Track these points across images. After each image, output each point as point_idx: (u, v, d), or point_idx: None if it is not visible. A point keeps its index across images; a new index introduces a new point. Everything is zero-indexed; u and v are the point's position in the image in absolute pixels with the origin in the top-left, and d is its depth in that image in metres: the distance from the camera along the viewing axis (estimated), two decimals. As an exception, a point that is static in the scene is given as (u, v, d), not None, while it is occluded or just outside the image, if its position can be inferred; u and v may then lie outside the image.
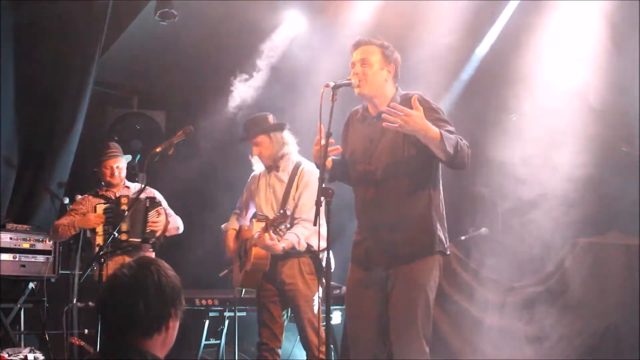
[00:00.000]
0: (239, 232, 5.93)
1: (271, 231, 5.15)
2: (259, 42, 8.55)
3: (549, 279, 6.14)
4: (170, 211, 6.54)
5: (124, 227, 6.10)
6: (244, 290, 6.00)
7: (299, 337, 5.62)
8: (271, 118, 5.77)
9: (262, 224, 5.29)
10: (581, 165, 6.48)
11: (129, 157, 6.70)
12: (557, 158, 6.60)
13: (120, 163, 6.52)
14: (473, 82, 7.53)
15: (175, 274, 2.72)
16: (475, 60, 7.74)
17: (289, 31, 8.52)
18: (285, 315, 5.64)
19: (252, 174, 5.98)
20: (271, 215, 5.39)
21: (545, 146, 6.68)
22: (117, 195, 6.38)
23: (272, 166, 5.71)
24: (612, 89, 6.51)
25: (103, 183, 6.55)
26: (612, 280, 5.73)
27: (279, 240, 5.21)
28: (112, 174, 6.47)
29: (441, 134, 3.94)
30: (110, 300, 2.65)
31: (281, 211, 5.03)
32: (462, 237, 7.07)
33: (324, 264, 4.97)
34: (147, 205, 6.20)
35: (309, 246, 5.36)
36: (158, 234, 6.18)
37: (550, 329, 5.93)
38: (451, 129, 4.17)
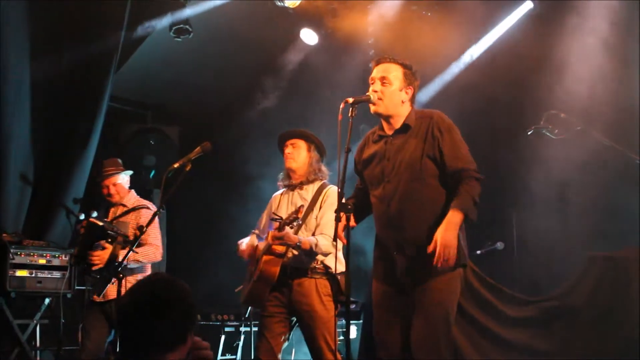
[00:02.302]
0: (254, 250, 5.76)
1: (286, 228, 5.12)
2: (273, 58, 8.58)
3: (567, 293, 6.11)
4: (151, 239, 6.31)
5: (75, 250, 6.25)
6: (250, 308, 5.86)
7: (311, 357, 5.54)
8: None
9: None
10: (597, 180, 6.47)
11: (128, 172, 6.65)
12: (575, 172, 6.60)
13: (117, 180, 6.51)
14: (488, 99, 7.51)
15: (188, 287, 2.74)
16: (489, 74, 7.72)
17: (302, 47, 8.55)
18: (287, 335, 5.49)
19: (273, 195, 5.91)
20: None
21: (560, 160, 6.68)
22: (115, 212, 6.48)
23: (297, 183, 5.64)
24: (627, 103, 6.50)
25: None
26: (630, 294, 5.70)
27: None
28: (109, 193, 6.51)
29: (463, 213, 4.10)
30: (134, 320, 2.66)
31: (295, 209, 4.90)
32: (478, 252, 7.06)
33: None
34: (97, 234, 5.97)
35: (326, 267, 5.31)
36: (95, 267, 5.95)
37: (568, 344, 5.91)
38: (464, 152, 4.31)
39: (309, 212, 5.48)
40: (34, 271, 6.77)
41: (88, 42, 7.42)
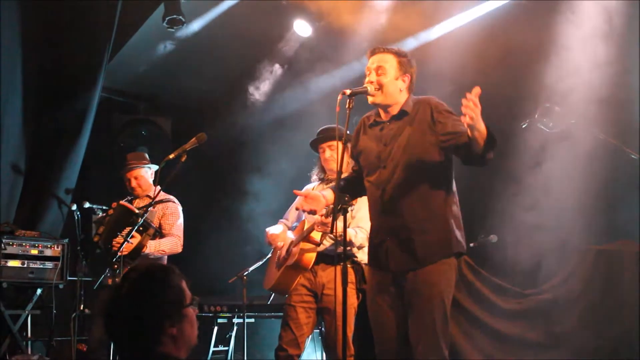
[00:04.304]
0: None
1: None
2: (267, 49, 8.55)
3: (561, 286, 6.13)
4: (174, 228, 6.49)
5: (101, 229, 6.29)
6: (272, 295, 5.86)
7: (323, 342, 5.58)
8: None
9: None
10: (591, 173, 6.48)
11: (153, 166, 6.74)
12: (569, 165, 6.60)
13: (139, 173, 6.68)
14: (484, 91, 7.50)
15: (179, 276, 2.74)
16: (482, 65, 7.69)
17: (296, 38, 8.52)
18: (312, 327, 5.52)
19: (305, 187, 5.86)
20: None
21: (555, 153, 6.68)
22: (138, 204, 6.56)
23: (333, 178, 5.58)
24: (621, 96, 6.50)
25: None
26: (623, 287, 5.73)
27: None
28: (131, 185, 6.67)
29: (487, 127, 3.85)
30: (114, 314, 2.68)
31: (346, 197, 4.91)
32: (471, 244, 7.05)
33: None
34: (130, 220, 6.04)
35: (352, 256, 5.32)
36: (120, 254, 5.89)
37: (563, 337, 5.93)
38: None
39: None
40: (26, 261, 6.74)
41: (81, 33, 7.38)
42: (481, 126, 3.81)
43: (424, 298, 4.22)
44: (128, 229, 5.97)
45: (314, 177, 5.88)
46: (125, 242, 5.88)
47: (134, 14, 7.75)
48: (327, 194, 4.61)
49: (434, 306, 4.21)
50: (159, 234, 6.41)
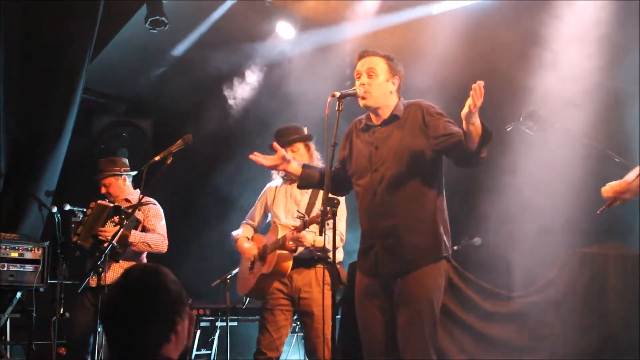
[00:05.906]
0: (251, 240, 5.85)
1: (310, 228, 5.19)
2: (249, 51, 8.54)
3: (547, 288, 6.15)
4: (158, 228, 6.39)
5: (79, 229, 6.22)
6: (247, 300, 5.88)
7: (304, 346, 5.58)
8: (305, 129, 5.73)
9: (290, 226, 5.35)
10: (576, 175, 6.50)
11: (127, 174, 6.60)
12: (553, 168, 6.62)
13: (107, 181, 6.54)
14: (466, 91, 7.50)
15: (174, 278, 2.69)
16: (467, 67, 7.69)
17: (278, 40, 8.50)
18: (289, 328, 5.56)
19: (267, 186, 5.90)
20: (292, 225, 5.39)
21: (541, 156, 6.70)
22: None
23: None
24: (610, 99, 6.53)
25: None
26: (609, 289, 5.75)
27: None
28: (101, 191, 6.54)
29: (482, 122, 3.86)
30: (114, 322, 2.60)
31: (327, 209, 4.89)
32: (455, 247, 7.06)
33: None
34: (108, 213, 6.09)
35: (326, 257, 5.31)
36: (107, 243, 5.72)
37: (548, 339, 5.94)
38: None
39: (312, 204, 5.53)
40: (5, 264, 6.68)
41: (62, 33, 7.32)
42: (477, 119, 3.82)
43: (413, 302, 4.21)
44: (108, 222, 5.98)
45: (275, 175, 5.87)
46: (110, 230, 5.90)
47: (116, 15, 7.70)
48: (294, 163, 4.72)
49: (423, 311, 4.20)
50: (142, 229, 6.32)
